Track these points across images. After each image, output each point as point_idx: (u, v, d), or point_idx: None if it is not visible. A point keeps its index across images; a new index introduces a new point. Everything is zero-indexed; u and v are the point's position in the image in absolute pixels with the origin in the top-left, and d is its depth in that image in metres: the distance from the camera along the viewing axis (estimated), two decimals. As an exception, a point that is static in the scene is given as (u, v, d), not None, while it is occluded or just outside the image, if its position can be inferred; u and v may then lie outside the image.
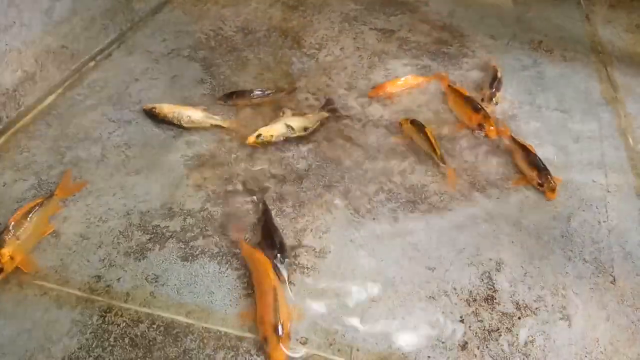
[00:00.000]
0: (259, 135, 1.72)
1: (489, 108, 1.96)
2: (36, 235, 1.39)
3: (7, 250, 1.27)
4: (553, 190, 1.65)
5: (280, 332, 1.18)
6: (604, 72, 2.31)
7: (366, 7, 2.73)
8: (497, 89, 2.05)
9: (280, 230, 1.47)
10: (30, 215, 1.38)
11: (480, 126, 1.82)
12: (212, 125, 1.83)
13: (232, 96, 1.96)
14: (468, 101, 1.91)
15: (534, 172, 1.67)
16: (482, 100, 2.02)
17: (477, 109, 1.87)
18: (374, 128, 1.90)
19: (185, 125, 1.81)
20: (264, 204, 1.55)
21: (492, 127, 1.82)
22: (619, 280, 1.42)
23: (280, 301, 1.24)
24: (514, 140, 1.80)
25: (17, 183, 1.59)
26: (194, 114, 1.83)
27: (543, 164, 1.70)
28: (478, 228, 1.55)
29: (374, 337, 1.26)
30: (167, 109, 1.84)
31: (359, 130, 1.89)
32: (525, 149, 1.75)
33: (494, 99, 2.02)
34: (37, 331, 1.22)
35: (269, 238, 1.42)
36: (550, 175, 1.67)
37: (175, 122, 1.82)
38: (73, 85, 2.01)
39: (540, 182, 1.65)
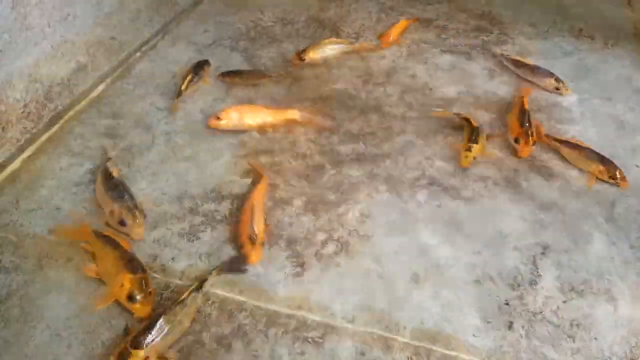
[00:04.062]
0: None
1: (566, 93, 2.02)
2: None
3: None
4: (624, 178, 1.64)
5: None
6: (647, 59, 2.28)
7: (403, -4, 2.74)
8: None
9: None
10: None
11: (517, 140, 1.75)
12: None
13: (231, 75, 2.07)
14: (521, 113, 1.82)
15: (601, 166, 1.65)
16: (557, 89, 2.02)
17: (522, 123, 1.77)
18: (413, 115, 1.92)
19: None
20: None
21: (525, 148, 1.72)
22: (666, 266, 1.42)
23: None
24: (555, 139, 1.76)
25: (73, 167, 1.67)
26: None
27: (603, 156, 1.68)
28: (522, 214, 1.56)
29: (420, 316, 1.29)
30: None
31: (400, 117, 1.91)
32: (577, 147, 1.72)
33: (561, 87, 2.03)
34: (99, 306, 1.29)
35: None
36: (615, 164, 1.65)
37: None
38: (122, 75, 2.09)
39: (611, 175, 1.64)
